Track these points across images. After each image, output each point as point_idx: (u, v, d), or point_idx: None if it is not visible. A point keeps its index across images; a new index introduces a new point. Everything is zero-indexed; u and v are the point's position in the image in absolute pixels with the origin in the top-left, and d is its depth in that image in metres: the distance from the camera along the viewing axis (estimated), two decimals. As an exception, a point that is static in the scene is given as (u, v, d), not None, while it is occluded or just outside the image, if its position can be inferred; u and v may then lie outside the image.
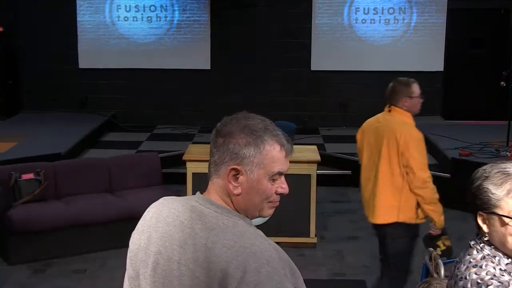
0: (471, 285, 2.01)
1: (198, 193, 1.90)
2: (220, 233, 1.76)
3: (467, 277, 2.04)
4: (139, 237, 1.88)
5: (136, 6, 10.59)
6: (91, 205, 6.24)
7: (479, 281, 2.00)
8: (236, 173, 1.81)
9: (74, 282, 5.56)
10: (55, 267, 5.84)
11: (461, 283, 2.05)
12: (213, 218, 1.80)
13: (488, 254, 2.08)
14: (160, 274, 1.79)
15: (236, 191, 1.82)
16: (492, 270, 2.03)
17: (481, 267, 2.05)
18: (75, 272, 5.75)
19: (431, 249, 3.72)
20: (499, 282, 2.00)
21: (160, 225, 1.84)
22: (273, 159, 1.85)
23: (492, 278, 2.00)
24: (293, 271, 1.79)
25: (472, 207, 2.12)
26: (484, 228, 2.10)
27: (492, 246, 2.11)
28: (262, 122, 1.86)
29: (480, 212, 2.09)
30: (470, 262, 2.08)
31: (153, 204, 1.94)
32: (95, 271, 5.76)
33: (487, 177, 2.09)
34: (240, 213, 1.85)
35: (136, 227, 1.92)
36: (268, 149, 1.83)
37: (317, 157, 6.06)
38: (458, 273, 2.09)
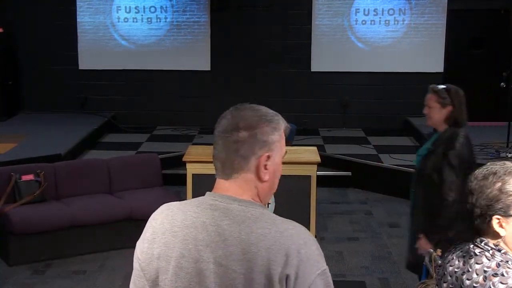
0: None
1: (209, 193, 1.89)
2: (251, 223, 1.79)
3: (492, 287, 2.00)
4: (150, 246, 1.85)
5: (136, 7, 10.59)
6: (91, 206, 6.24)
7: None
8: (267, 159, 1.86)
9: (74, 283, 5.55)
10: (55, 268, 5.84)
11: None
12: (239, 212, 1.82)
13: (502, 260, 2.05)
14: (185, 278, 1.78)
15: (266, 178, 1.86)
16: None
17: (502, 275, 2.01)
18: (75, 273, 5.75)
19: (431, 250, 3.72)
20: None
21: (178, 229, 1.82)
22: (284, 140, 1.93)
23: None
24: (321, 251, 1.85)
25: (483, 213, 2.07)
26: (502, 232, 2.07)
27: (502, 251, 2.09)
28: (265, 108, 1.92)
29: (498, 216, 2.05)
30: (485, 271, 2.04)
31: (155, 212, 1.91)
32: (95, 272, 5.76)
33: (504, 180, 2.05)
34: (261, 203, 1.90)
35: (143, 237, 1.89)
36: (282, 131, 1.92)
37: (317, 158, 6.05)
38: (476, 285, 2.03)
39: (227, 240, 1.78)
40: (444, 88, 4.12)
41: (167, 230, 1.83)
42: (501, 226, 2.06)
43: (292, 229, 1.80)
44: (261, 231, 1.77)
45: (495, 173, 2.07)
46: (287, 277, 1.73)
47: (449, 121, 4.06)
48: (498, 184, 2.05)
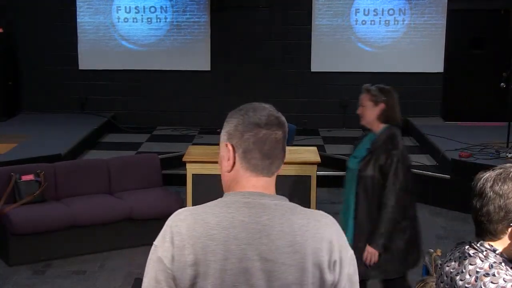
0: None
1: (235, 192, 1.87)
2: (290, 216, 1.83)
3: (483, 287, 2.01)
4: (180, 253, 1.77)
5: (136, 8, 10.59)
6: (91, 206, 6.24)
7: None
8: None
9: (74, 283, 5.56)
10: (55, 268, 5.84)
11: None
12: (276, 206, 1.84)
13: (495, 262, 2.05)
14: (229, 280, 1.76)
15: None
16: (506, 276, 2.00)
17: (494, 275, 2.01)
18: (75, 273, 5.75)
19: (431, 250, 3.72)
20: None
21: (215, 232, 1.78)
22: None
23: None
24: None
25: (505, 217, 2.06)
26: None
27: (496, 252, 2.09)
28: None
29: None
30: (477, 271, 2.04)
31: (175, 219, 1.83)
32: (94, 272, 5.76)
33: None
34: None
35: (167, 245, 1.79)
36: None
37: (317, 158, 6.06)
38: (467, 285, 2.04)
39: (270, 235, 1.79)
40: (376, 86, 4.14)
41: (202, 235, 1.77)
42: None
43: (325, 217, 1.89)
44: (301, 221, 1.82)
45: None
46: (335, 262, 1.82)
47: (381, 119, 4.05)
48: None
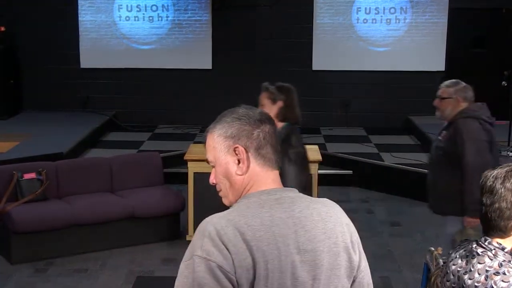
0: None
1: (262, 190, 1.87)
2: (314, 205, 1.91)
3: (494, 286, 2.01)
4: (239, 258, 1.74)
5: (137, 6, 10.58)
6: (92, 204, 6.24)
7: None
8: None
9: (76, 281, 5.56)
10: (57, 266, 5.85)
11: None
12: (300, 198, 1.92)
13: (504, 260, 2.05)
14: (280, 276, 1.78)
15: None
16: None
17: (504, 273, 2.01)
18: (76, 271, 5.76)
19: (432, 248, 3.72)
20: None
21: (261, 233, 1.78)
22: None
23: None
24: None
25: (511, 217, 2.07)
26: None
27: (504, 251, 2.09)
28: None
29: None
30: (487, 270, 2.04)
31: (218, 227, 1.77)
32: (96, 271, 5.77)
33: None
34: None
35: (223, 253, 1.74)
36: None
37: (318, 156, 6.06)
38: (477, 284, 2.04)
39: (306, 226, 1.84)
40: (275, 85, 4.15)
41: (252, 238, 1.76)
42: None
43: (333, 203, 1.97)
44: (324, 209, 1.90)
45: None
46: (354, 243, 1.91)
47: (280, 116, 4.03)
48: None
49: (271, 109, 4.05)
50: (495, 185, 2.09)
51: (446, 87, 4.70)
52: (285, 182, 3.77)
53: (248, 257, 1.74)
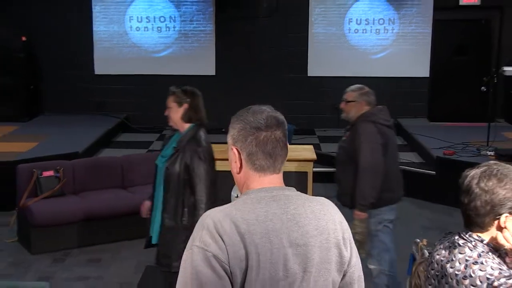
0: (480, 282, 1.98)
1: (258, 189, 1.87)
2: (308, 203, 1.90)
3: (473, 275, 2.00)
4: (234, 250, 1.74)
5: (147, 17, 10.59)
6: (105, 199, 6.25)
7: (488, 276, 1.97)
8: None
9: (91, 270, 5.57)
10: (73, 256, 5.86)
11: (467, 281, 2.01)
12: (296, 196, 1.90)
13: (483, 251, 2.05)
14: (272, 267, 1.77)
15: None
16: (494, 264, 2.01)
17: (482, 263, 2.01)
18: (91, 261, 5.76)
19: (418, 240, 3.72)
20: (507, 272, 1.99)
21: (255, 226, 1.78)
22: None
23: (500, 272, 1.98)
24: None
25: (492, 210, 2.06)
26: (509, 227, 2.06)
27: (483, 243, 2.09)
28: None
29: (506, 214, 2.05)
30: (467, 260, 2.04)
31: (216, 220, 1.78)
32: (109, 260, 5.77)
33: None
34: None
35: (219, 244, 1.74)
36: None
37: (313, 155, 6.05)
38: (458, 272, 2.04)
39: (299, 222, 1.83)
40: (181, 88, 4.07)
41: (246, 231, 1.76)
42: (505, 222, 2.06)
43: (328, 201, 1.96)
44: (318, 207, 1.89)
45: (506, 175, 2.06)
46: (346, 240, 1.90)
47: (185, 119, 3.96)
48: (511, 186, 2.05)
49: (177, 111, 3.96)
50: (471, 185, 2.09)
51: (351, 91, 4.73)
52: (196, 178, 3.74)
53: (242, 248, 1.74)
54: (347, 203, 4.43)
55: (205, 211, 3.69)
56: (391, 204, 4.53)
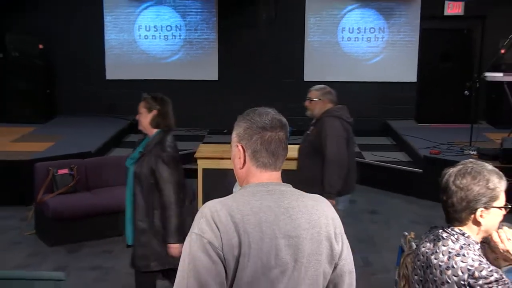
0: (462, 272, 1.98)
1: (256, 183, 1.87)
2: (302, 199, 1.90)
3: (455, 266, 2.01)
4: (227, 237, 1.74)
5: (154, 26, 10.60)
6: (116, 195, 6.23)
7: (469, 267, 1.98)
8: None
9: (103, 261, 5.58)
10: (87, 248, 5.87)
11: (449, 272, 2.01)
12: (290, 191, 1.91)
13: (465, 244, 2.06)
14: (264, 256, 1.78)
15: None
16: (475, 256, 2.01)
17: (464, 255, 2.02)
18: (104, 252, 5.78)
19: (406, 233, 3.72)
20: (486, 264, 2.00)
21: (250, 217, 1.78)
22: None
23: (480, 263, 1.99)
24: None
25: (468, 206, 2.06)
26: (482, 222, 2.07)
27: (465, 236, 2.10)
28: None
29: (482, 209, 2.05)
30: (450, 252, 2.05)
31: (213, 210, 1.79)
32: (120, 252, 5.77)
33: (489, 179, 2.05)
34: None
35: (214, 232, 1.75)
36: None
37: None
38: (441, 263, 2.04)
39: (292, 216, 1.83)
40: (151, 95, 4.06)
41: (240, 220, 1.76)
42: (481, 216, 2.07)
43: (322, 199, 1.95)
44: (311, 203, 1.89)
45: (479, 172, 2.06)
46: (338, 235, 1.89)
47: (153, 124, 3.93)
48: (484, 182, 2.05)
49: (147, 117, 3.94)
50: (448, 183, 2.10)
51: (315, 90, 4.77)
52: (161, 181, 3.72)
53: (235, 236, 1.75)
54: (306, 191, 4.46)
55: (175, 210, 3.71)
56: (347, 194, 4.61)
